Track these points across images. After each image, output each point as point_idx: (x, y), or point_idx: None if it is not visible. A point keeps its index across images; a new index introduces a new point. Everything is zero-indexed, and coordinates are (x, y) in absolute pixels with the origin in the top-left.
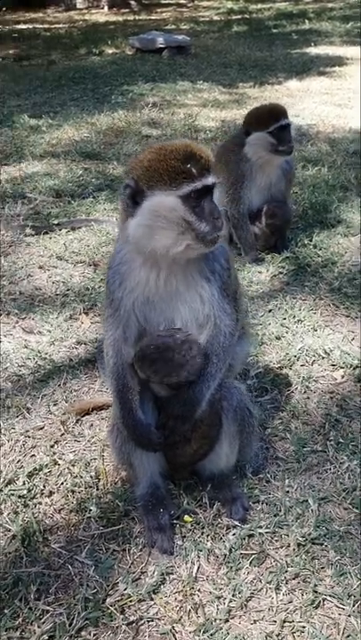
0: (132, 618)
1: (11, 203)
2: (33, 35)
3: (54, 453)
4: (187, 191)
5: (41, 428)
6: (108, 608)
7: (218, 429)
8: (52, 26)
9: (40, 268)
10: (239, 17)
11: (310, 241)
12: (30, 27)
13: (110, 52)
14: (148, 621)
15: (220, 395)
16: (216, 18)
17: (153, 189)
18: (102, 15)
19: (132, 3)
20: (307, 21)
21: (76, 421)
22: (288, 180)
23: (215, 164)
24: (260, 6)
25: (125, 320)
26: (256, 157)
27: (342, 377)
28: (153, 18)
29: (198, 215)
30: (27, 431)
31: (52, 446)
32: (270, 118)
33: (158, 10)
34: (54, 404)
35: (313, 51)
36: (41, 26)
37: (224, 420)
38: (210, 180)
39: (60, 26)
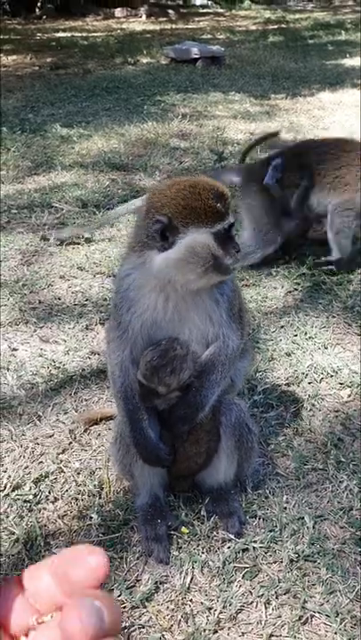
0: (124, 624)
1: (38, 212)
2: (71, 43)
3: (61, 461)
4: (219, 228)
5: (50, 436)
6: None
7: (216, 443)
8: (90, 34)
9: (61, 277)
10: (276, 27)
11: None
12: (69, 35)
13: (145, 61)
14: (140, 628)
15: (220, 409)
16: (253, 27)
17: (188, 226)
18: (140, 24)
19: (170, 12)
20: (343, 32)
21: (85, 431)
22: None
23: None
24: (297, 16)
25: (133, 341)
26: None
27: (349, 396)
28: (190, 27)
29: (225, 249)
30: (36, 438)
31: (59, 454)
32: None
33: (196, 19)
34: (64, 413)
35: (348, 62)
36: (79, 34)
37: (222, 434)
38: (232, 216)
39: (98, 34)
